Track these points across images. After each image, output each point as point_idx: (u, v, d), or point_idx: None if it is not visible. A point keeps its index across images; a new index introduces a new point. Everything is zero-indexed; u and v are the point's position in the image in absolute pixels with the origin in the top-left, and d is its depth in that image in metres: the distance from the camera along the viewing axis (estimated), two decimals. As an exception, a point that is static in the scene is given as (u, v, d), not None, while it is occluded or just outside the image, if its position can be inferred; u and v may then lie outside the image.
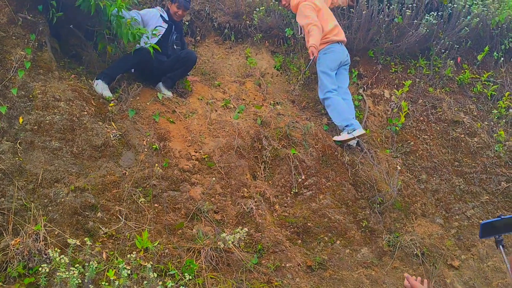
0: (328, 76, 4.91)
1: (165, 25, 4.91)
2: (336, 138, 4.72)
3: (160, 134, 4.18)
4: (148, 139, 4.06)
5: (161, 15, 4.92)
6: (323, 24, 4.97)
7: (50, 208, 3.26)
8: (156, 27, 4.77)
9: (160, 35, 4.81)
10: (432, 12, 5.41)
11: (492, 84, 5.71)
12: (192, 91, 5.04)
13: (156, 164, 3.83)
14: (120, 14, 4.13)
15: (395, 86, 5.53)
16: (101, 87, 4.28)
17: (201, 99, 4.98)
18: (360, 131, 4.64)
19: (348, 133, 4.63)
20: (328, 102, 4.85)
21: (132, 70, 4.81)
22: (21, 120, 3.60)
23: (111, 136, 3.90)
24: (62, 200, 3.31)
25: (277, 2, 5.75)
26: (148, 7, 5.32)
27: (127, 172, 3.75)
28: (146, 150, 3.97)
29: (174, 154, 4.07)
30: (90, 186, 3.48)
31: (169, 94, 4.75)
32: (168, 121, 4.34)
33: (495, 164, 5.04)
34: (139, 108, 4.33)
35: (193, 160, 4.10)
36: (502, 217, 2.12)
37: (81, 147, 3.70)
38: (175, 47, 5.04)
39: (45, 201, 3.29)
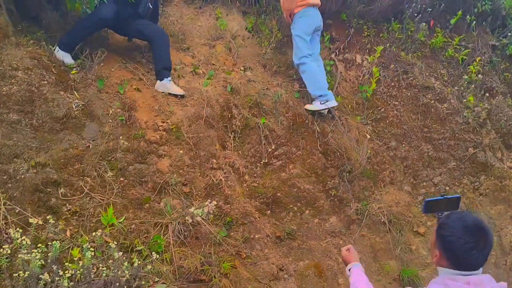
0: (304, 41, 4.79)
1: None
2: (308, 107, 4.66)
3: (125, 103, 4.03)
4: (113, 109, 3.91)
5: None
6: None
7: (10, 185, 3.14)
8: None
9: None
10: (406, -26, 5.29)
11: (463, 48, 5.69)
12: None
13: (121, 136, 3.72)
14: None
15: (367, 51, 5.46)
16: (62, 54, 4.07)
17: (169, 65, 4.81)
18: (332, 102, 4.60)
19: (321, 103, 4.58)
20: (303, 67, 4.76)
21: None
22: (-25, 91, 3.41)
23: (73, 107, 3.74)
24: (22, 176, 3.19)
25: None
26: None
27: (90, 145, 3.62)
28: (110, 121, 3.83)
29: (140, 125, 3.95)
30: (51, 161, 3.36)
31: (181, 92, 4.37)
32: (134, 89, 4.19)
33: (464, 130, 5.10)
34: (103, 76, 4.14)
35: (160, 131, 3.99)
36: (446, 196, 2.23)
37: (41, 119, 3.53)
38: (149, 5, 4.71)
39: (4, 177, 3.15)
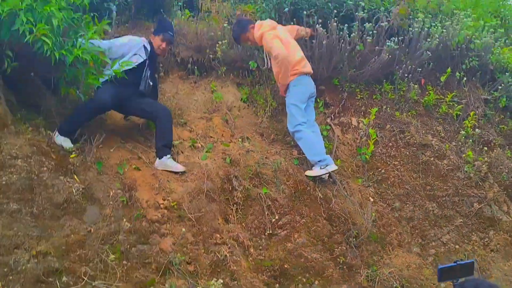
0: (298, 109, 4.86)
1: (145, 56, 4.69)
2: (308, 173, 4.66)
3: (126, 184, 4.02)
4: (114, 191, 3.90)
5: (144, 46, 4.74)
6: (290, 55, 4.93)
7: (11, 277, 3.05)
8: (135, 54, 4.59)
9: (137, 63, 4.57)
10: (393, 38, 5.45)
11: (456, 104, 5.78)
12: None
13: (123, 218, 3.68)
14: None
15: (362, 113, 5.54)
16: (61, 139, 4.11)
17: (168, 141, 4.85)
18: (332, 166, 4.61)
19: (320, 168, 4.59)
20: (298, 135, 4.80)
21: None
22: (-25, 183, 3.40)
23: (74, 191, 3.72)
24: (23, 267, 3.11)
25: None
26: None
27: (92, 229, 3.57)
28: (111, 202, 3.80)
29: (141, 205, 3.92)
30: (53, 249, 3.29)
31: (181, 168, 4.38)
32: (134, 169, 4.19)
33: (466, 185, 5.07)
34: (103, 158, 4.17)
35: (161, 209, 3.95)
36: (458, 262, 2.19)
37: (41, 206, 3.50)
38: (149, 82, 4.81)
39: (5, 270, 3.08)
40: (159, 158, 4.34)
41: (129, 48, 4.61)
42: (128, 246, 3.59)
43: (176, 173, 4.30)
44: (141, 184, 4.11)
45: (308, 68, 5.01)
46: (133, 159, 4.34)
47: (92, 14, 4.12)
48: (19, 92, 4.34)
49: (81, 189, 3.77)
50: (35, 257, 3.19)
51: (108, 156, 4.23)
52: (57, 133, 4.14)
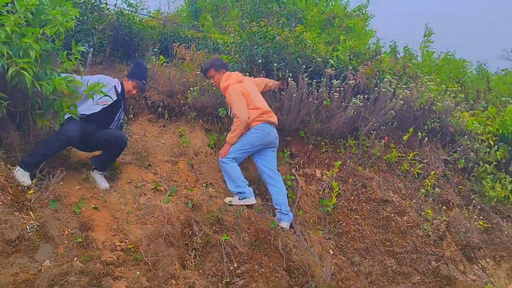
0: (242, 149, 5.01)
1: (115, 97, 4.71)
2: (227, 200, 4.82)
3: (82, 223, 3.93)
4: (69, 230, 3.80)
5: (115, 86, 4.77)
6: (257, 105, 5.05)
7: (-51, 316, 2.91)
8: (105, 96, 4.54)
9: (105, 106, 4.59)
10: (359, 95, 5.65)
11: (418, 163, 5.96)
12: (121, 173, 4.86)
13: (75, 258, 3.57)
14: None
15: (326, 165, 5.65)
16: (20, 174, 4.02)
17: (131, 182, 4.81)
18: (252, 200, 4.83)
19: (239, 199, 4.80)
20: (224, 165, 5.00)
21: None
22: None
23: (28, 228, 3.62)
24: (-36, 306, 2.98)
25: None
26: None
27: (43, 268, 3.45)
28: (66, 242, 3.70)
29: (97, 245, 3.82)
30: (-1, 287, 3.17)
31: (106, 186, 4.52)
32: (92, 208, 4.12)
33: (425, 243, 5.15)
34: (62, 195, 4.08)
35: (117, 251, 3.86)
36: None
37: (-8, 242, 3.39)
38: (122, 123, 4.95)
39: None
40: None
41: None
42: (79, 288, 3.47)
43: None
44: (99, 225, 4.02)
45: (273, 119, 5.12)
46: (93, 198, 4.26)
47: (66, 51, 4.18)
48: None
49: (35, 226, 3.68)
50: (-21, 295, 3.05)
51: (68, 193, 4.15)
52: (18, 168, 4.06)
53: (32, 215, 3.77)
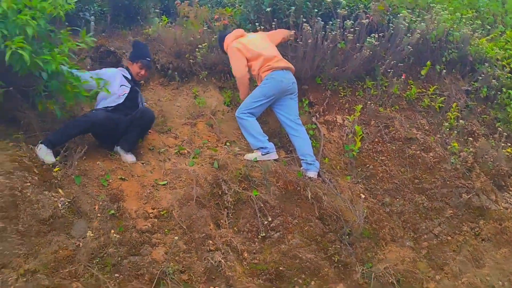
0: (255, 101, 4.89)
1: (129, 85, 4.74)
2: (247, 156, 4.75)
3: (112, 194, 3.93)
4: (100, 203, 3.80)
5: (123, 75, 4.75)
6: (258, 53, 4.96)
7: (-1, 299, 2.95)
8: (122, 85, 4.63)
9: (125, 95, 4.64)
10: (373, 34, 5.45)
11: (438, 96, 5.81)
12: (142, 141, 4.81)
13: (112, 230, 3.58)
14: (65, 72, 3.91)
15: (346, 110, 5.53)
16: (44, 152, 3.98)
17: (153, 149, 4.77)
18: (274, 155, 4.78)
19: (262, 154, 4.74)
20: (241, 121, 4.91)
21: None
22: (-44, 202, 3.27)
23: (59, 206, 3.61)
24: (12, 287, 3.00)
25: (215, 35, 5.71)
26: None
27: (80, 243, 3.47)
28: (99, 215, 3.70)
29: (130, 215, 3.83)
30: (41, 266, 3.18)
31: (131, 159, 4.43)
32: (119, 179, 4.10)
33: (454, 176, 5.08)
34: (87, 169, 4.06)
35: (151, 218, 3.87)
36: None
37: (27, 223, 3.39)
38: (142, 105, 4.91)
39: (-7, 291, 2.97)
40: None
41: (108, 78, 4.55)
42: (119, 259, 3.49)
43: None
44: (129, 195, 4.01)
45: (281, 63, 4.98)
46: (118, 169, 4.24)
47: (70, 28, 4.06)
48: (-4, 106, 4.21)
49: (66, 203, 3.67)
50: (24, 276, 3.09)
51: (92, 167, 4.13)
52: (41, 145, 4.01)
53: (61, 192, 3.76)
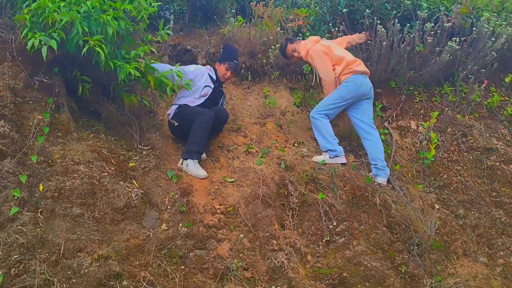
0: (333, 104, 4.82)
1: (213, 86, 4.84)
2: (315, 158, 4.70)
3: (182, 189, 4.05)
4: (171, 196, 3.93)
5: (209, 75, 4.86)
6: (340, 57, 4.89)
7: (74, 280, 3.12)
8: (206, 86, 4.75)
9: (207, 96, 4.76)
10: (454, 38, 5.21)
11: (523, 106, 5.46)
12: (213, 138, 4.92)
13: (180, 223, 3.69)
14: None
15: (421, 116, 5.34)
16: (195, 168, 4.23)
17: (222, 146, 4.86)
18: (342, 159, 4.72)
19: (330, 157, 4.68)
20: (314, 121, 4.84)
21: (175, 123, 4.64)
22: (41, 187, 3.51)
23: (133, 196, 3.78)
24: (86, 271, 3.17)
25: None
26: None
27: (151, 234, 3.61)
28: (169, 207, 3.83)
29: (198, 210, 3.93)
30: (113, 253, 3.34)
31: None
32: (190, 174, 4.22)
33: (536, 191, 4.75)
34: (161, 163, 4.22)
35: (218, 214, 3.95)
36: None
37: (103, 211, 3.58)
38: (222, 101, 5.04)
39: (69, 273, 3.15)
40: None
41: (195, 76, 4.71)
42: (186, 251, 3.59)
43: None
44: (198, 189, 4.12)
45: (361, 67, 4.89)
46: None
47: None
48: (79, 99, 4.47)
49: (140, 194, 3.83)
50: (97, 261, 3.25)
51: (166, 161, 4.28)
52: (187, 161, 4.26)
53: (136, 184, 3.93)
